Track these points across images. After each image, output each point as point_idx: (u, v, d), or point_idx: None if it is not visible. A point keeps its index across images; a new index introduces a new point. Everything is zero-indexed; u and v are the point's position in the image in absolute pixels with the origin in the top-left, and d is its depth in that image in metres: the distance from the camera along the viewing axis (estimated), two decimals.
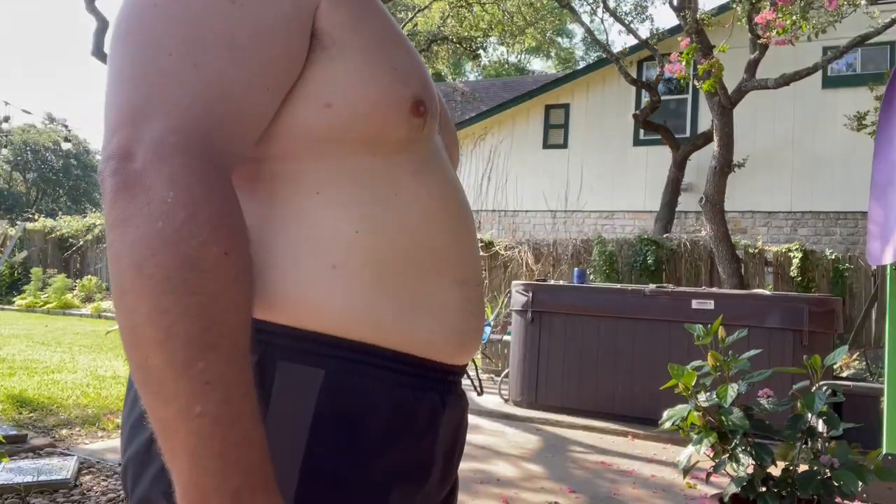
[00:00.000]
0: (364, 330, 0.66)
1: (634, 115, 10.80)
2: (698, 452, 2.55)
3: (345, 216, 0.67)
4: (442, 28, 14.64)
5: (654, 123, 10.59)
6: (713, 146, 8.15)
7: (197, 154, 0.56)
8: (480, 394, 1.01)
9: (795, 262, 8.54)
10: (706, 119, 9.90)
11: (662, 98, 10.73)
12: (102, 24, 9.69)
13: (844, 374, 5.42)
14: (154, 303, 0.51)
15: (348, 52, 0.67)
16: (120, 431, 0.73)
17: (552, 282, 6.61)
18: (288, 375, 0.64)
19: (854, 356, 5.92)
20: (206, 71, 0.59)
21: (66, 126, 35.15)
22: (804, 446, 2.52)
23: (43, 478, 3.11)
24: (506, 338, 6.54)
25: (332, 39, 0.66)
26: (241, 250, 0.56)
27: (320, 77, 0.66)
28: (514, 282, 5.95)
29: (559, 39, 28.63)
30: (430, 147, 0.76)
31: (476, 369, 1.02)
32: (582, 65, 25.71)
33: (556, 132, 12.85)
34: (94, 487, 3.16)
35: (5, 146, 30.70)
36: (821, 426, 2.56)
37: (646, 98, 11.28)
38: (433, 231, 0.73)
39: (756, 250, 8.88)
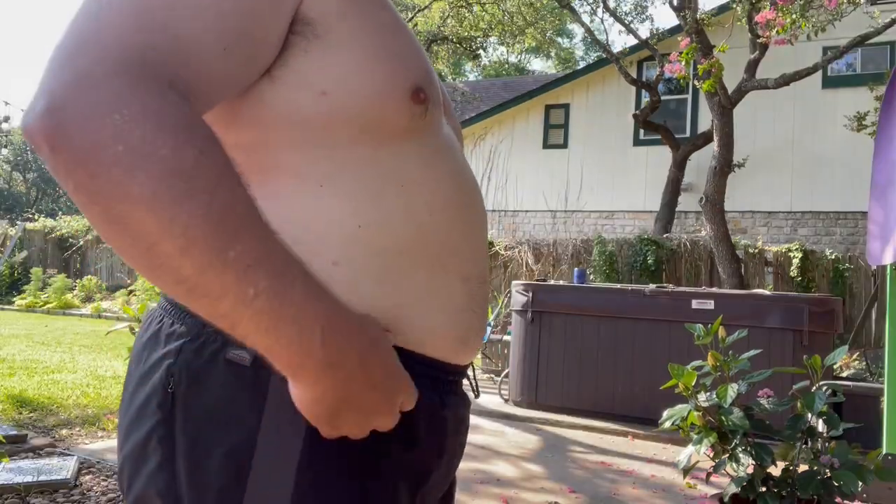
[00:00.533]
0: None
1: (634, 115, 10.81)
2: (698, 452, 2.55)
3: (349, 209, 0.67)
4: (442, 28, 14.65)
5: (654, 123, 10.60)
6: (713, 146, 8.16)
7: (133, 75, 0.53)
8: (477, 396, 1.00)
9: (795, 262, 8.55)
10: (706, 119, 9.90)
11: (662, 98, 10.73)
12: None
13: (844, 374, 5.42)
14: (157, 219, 0.50)
15: (344, 41, 0.66)
16: (117, 430, 0.73)
17: (552, 282, 6.61)
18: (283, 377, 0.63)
19: (854, 356, 5.92)
20: (146, 12, 0.57)
21: None
22: (804, 446, 2.52)
23: (43, 478, 3.11)
24: (506, 338, 6.54)
25: (325, 28, 0.65)
26: (215, 148, 0.55)
27: (316, 65, 0.65)
28: (514, 282, 5.94)
29: (559, 39, 28.64)
30: (438, 137, 0.75)
31: (473, 370, 1.02)
32: (582, 65, 25.72)
33: (556, 132, 12.86)
34: (94, 487, 3.16)
35: (5, 146, 30.72)
36: (821, 426, 2.56)
37: (646, 98, 11.28)
38: (440, 224, 0.72)
39: (756, 250, 8.89)
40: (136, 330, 3.16)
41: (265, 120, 0.66)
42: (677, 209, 10.61)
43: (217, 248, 0.52)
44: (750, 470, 2.50)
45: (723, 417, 2.53)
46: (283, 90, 0.65)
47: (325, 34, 0.65)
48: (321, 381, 0.57)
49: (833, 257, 8.57)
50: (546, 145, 12.86)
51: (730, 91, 7.92)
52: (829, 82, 10.74)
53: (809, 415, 2.51)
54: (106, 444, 3.93)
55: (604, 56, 11.26)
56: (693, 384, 2.66)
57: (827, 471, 2.40)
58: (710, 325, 2.79)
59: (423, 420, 0.70)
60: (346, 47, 0.66)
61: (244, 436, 0.62)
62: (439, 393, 0.73)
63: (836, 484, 2.35)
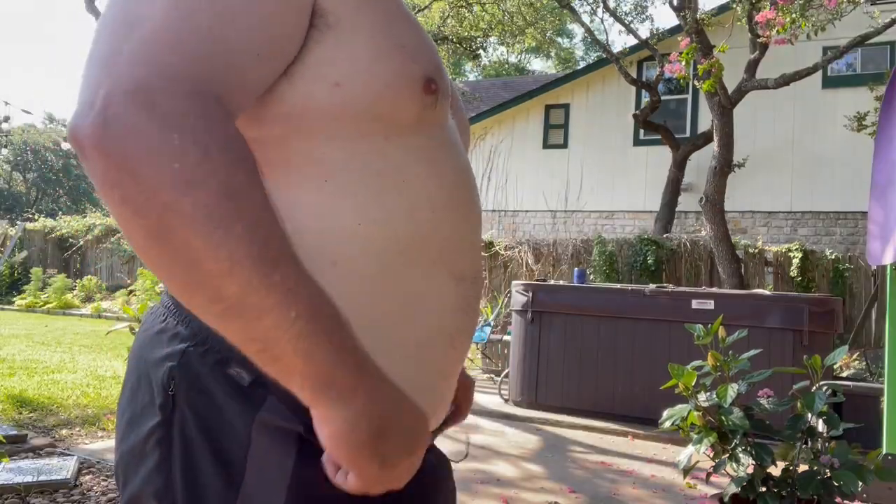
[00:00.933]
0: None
1: (634, 115, 10.80)
2: (698, 452, 2.55)
3: (350, 206, 0.66)
4: (442, 28, 14.64)
5: (654, 123, 10.59)
6: (713, 146, 8.15)
7: (191, 92, 0.54)
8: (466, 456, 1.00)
9: (795, 262, 8.54)
10: (706, 119, 9.90)
11: (662, 98, 10.73)
12: None
13: (844, 374, 5.42)
14: (207, 239, 0.51)
15: (355, 31, 0.66)
16: (116, 425, 0.73)
17: (552, 282, 6.61)
18: (275, 407, 0.64)
19: (854, 356, 5.92)
20: (192, 23, 0.57)
21: (66, 126, 35.18)
22: (804, 446, 2.52)
23: (43, 478, 3.11)
24: (506, 338, 6.54)
25: (336, 18, 0.65)
26: (257, 171, 0.56)
27: (329, 56, 0.65)
28: (514, 282, 5.94)
29: (559, 39, 28.64)
30: (444, 130, 0.74)
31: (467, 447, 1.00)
32: (582, 65, 25.71)
33: (556, 132, 12.85)
34: (94, 487, 3.16)
35: (5, 146, 30.74)
36: (821, 426, 2.56)
37: (646, 98, 11.28)
38: (440, 221, 0.71)
39: (756, 250, 8.88)
40: (137, 330, 3.17)
41: (280, 114, 0.65)
42: (677, 209, 10.61)
43: (263, 271, 0.52)
44: (750, 470, 2.50)
45: (723, 417, 2.53)
46: (298, 83, 0.64)
47: (335, 24, 0.65)
48: (355, 395, 0.57)
49: (833, 257, 8.56)
50: (546, 145, 12.86)
51: (730, 91, 7.92)
52: (829, 82, 10.74)
53: (809, 415, 2.51)
54: (106, 444, 3.93)
55: (604, 56, 11.25)
56: (693, 384, 2.66)
57: (827, 471, 2.40)
58: (710, 325, 2.79)
59: None
60: (357, 38, 0.66)
61: (237, 448, 0.63)
62: None
63: (836, 484, 2.35)
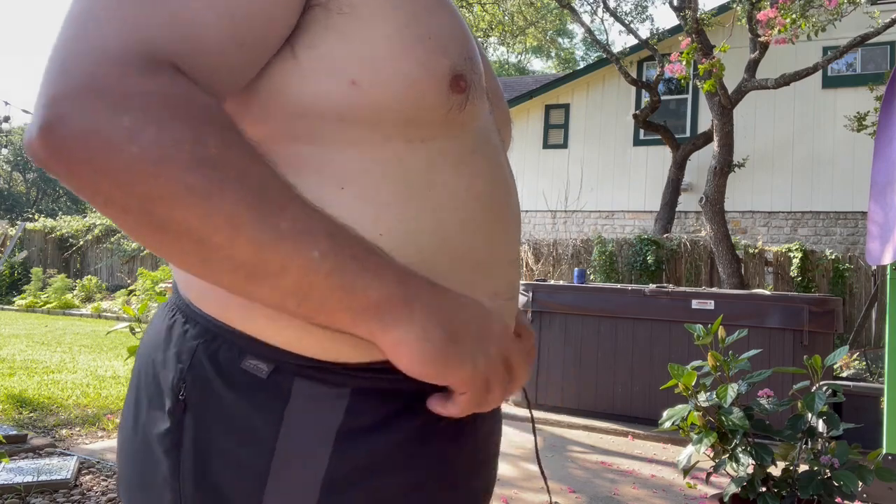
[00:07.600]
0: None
1: (634, 115, 10.81)
2: (698, 452, 2.55)
3: (371, 215, 0.59)
4: None
5: (654, 123, 10.60)
6: (713, 146, 8.16)
7: (138, 69, 0.49)
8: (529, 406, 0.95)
9: (795, 262, 8.55)
10: (706, 119, 9.90)
11: (662, 98, 10.73)
12: None
13: (844, 374, 5.42)
14: (198, 213, 0.48)
15: (373, 20, 0.58)
16: (119, 431, 0.70)
17: (552, 282, 6.61)
18: (306, 393, 0.60)
19: (854, 356, 5.92)
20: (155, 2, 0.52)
21: None
22: (804, 446, 2.52)
23: (43, 478, 3.11)
24: None
25: (351, 4, 0.58)
26: (234, 127, 0.51)
27: (343, 49, 0.58)
28: None
29: (559, 39, 28.65)
30: (476, 131, 0.66)
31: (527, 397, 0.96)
32: (582, 65, 25.73)
33: (556, 132, 12.86)
34: (94, 487, 3.16)
35: (5, 146, 30.75)
36: (821, 426, 2.56)
37: (646, 98, 11.28)
38: (468, 236, 0.64)
39: (756, 250, 8.89)
40: (137, 330, 3.15)
41: (291, 113, 0.59)
42: (677, 209, 10.61)
43: (267, 224, 0.49)
44: (750, 470, 2.50)
45: (723, 417, 2.53)
46: (310, 78, 0.58)
47: (350, 11, 0.58)
48: (412, 308, 0.54)
49: (833, 257, 8.56)
50: (546, 145, 12.86)
51: (730, 91, 7.92)
52: (829, 82, 10.74)
53: (809, 415, 2.51)
54: (106, 444, 3.93)
55: (604, 56, 11.25)
56: (693, 384, 2.66)
57: (827, 471, 2.40)
58: (710, 325, 2.79)
59: (449, 435, 0.65)
60: (375, 28, 0.58)
61: (259, 453, 0.58)
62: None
63: (836, 484, 2.35)
